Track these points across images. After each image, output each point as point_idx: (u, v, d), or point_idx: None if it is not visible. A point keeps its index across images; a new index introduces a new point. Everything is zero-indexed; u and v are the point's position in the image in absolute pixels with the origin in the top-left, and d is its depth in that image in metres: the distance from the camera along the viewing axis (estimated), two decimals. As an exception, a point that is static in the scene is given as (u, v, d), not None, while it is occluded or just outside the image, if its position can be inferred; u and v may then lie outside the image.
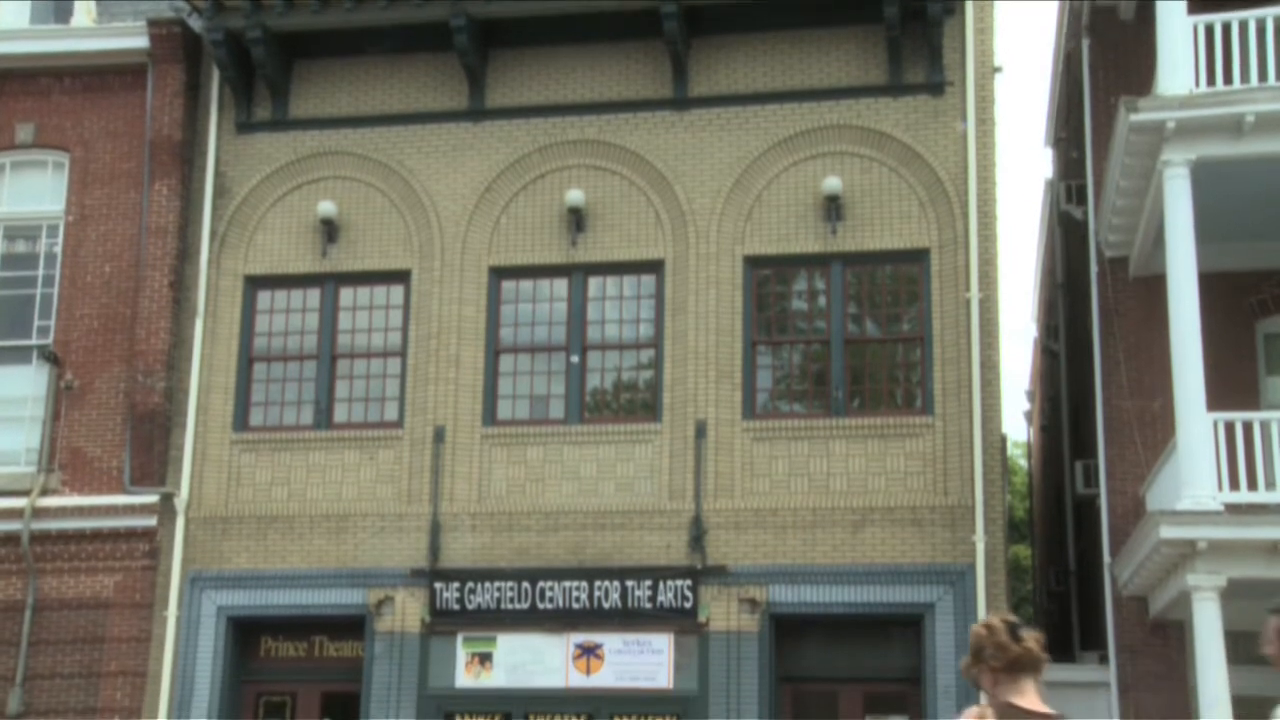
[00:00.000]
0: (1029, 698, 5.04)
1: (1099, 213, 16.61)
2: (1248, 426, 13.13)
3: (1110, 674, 16.08)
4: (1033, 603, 30.80)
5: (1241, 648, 14.52)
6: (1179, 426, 12.92)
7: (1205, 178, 13.74)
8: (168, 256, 17.99)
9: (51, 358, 17.83)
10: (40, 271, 18.40)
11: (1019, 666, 5.07)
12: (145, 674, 16.93)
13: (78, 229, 18.29)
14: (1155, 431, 15.86)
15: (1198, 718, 12.95)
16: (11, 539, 17.34)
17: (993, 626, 5.17)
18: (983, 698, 5.21)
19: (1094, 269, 17.04)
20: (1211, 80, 13.94)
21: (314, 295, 18.01)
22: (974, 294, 16.41)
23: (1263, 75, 13.87)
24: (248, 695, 17.29)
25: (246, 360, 17.92)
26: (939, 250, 16.73)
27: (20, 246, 18.67)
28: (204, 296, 17.94)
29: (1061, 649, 21.92)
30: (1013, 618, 5.29)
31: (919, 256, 16.83)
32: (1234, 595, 12.56)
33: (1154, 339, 15.55)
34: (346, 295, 17.95)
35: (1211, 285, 14.49)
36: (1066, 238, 20.73)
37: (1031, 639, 5.12)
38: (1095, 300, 16.95)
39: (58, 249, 18.36)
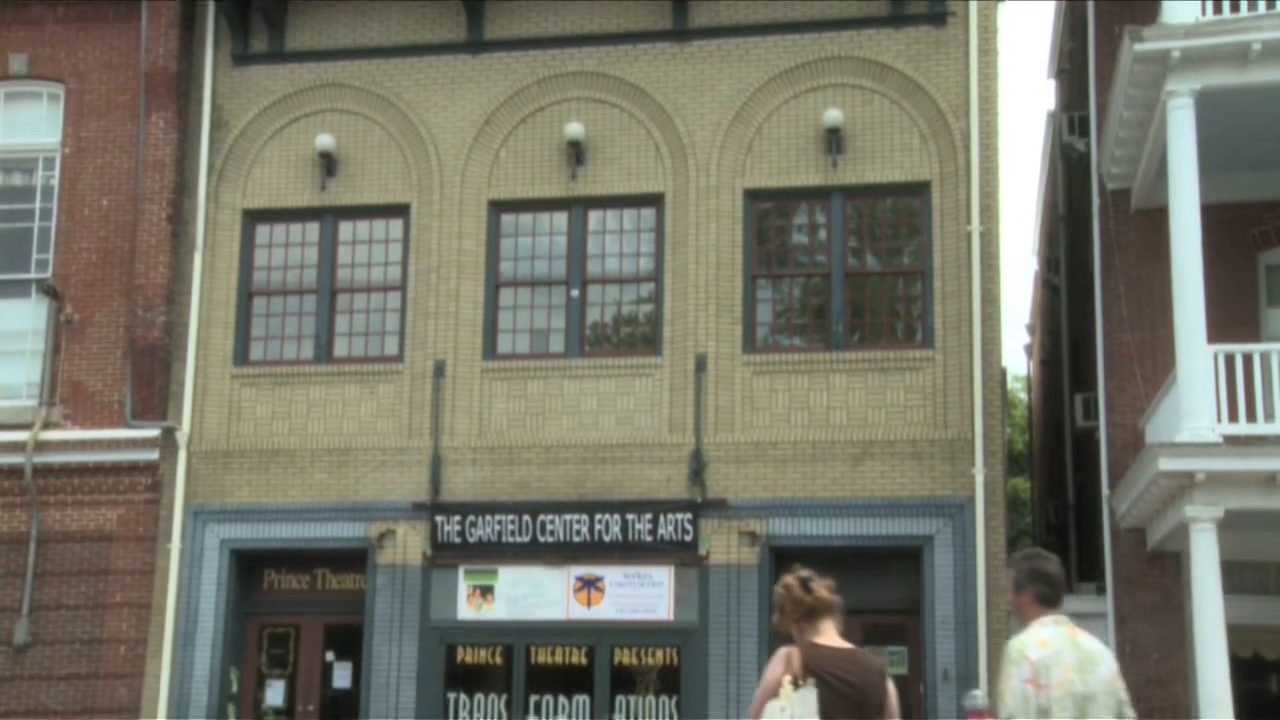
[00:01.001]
0: (827, 635, 6.12)
1: (1101, 145, 16.51)
2: (1248, 358, 13.12)
3: (1107, 605, 16.19)
4: (1031, 535, 30.96)
5: (1237, 577, 14.65)
6: (1179, 359, 12.91)
7: (1209, 108, 13.64)
8: (165, 190, 17.91)
9: (50, 291, 17.81)
10: (37, 205, 18.33)
11: (814, 613, 6.13)
12: (150, 605, 17.09)
13: (74, 162, 18.20)
14: (1155, 364, 15.86)
15: (1193, 646, 13.04)
16: (15, 472, 17.43)
17: (788, 585, 6.17)
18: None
19: (1095, 201, 16.96)
20: (1218, 9, 13.80)
21: (313, 229, 17.96)
22: (975, 227, 16.35)
23: (1270, 2, 13.73)
24: (251, 627, 17.44)
25: (246, 295, 17.90)
26: (940, 183, 16.65)
27: (17, 179, 18.58)
28: (202, 230, 17.89)
29: (1059, 581, 22.06)
30: (805, 573, 6.23)
31: (920, 189, 16.76)
32: (1231, 526, 12.62)
33: (1155, 272, 15.51)
34: (345, 229, 17.91)
35: (1214, 217, 14.43)
36: (1068, 170, 20.62)
37: (822, 588, 6.15)
38: (1096, 233, 16.89)
39: (54, 182, 18.28)
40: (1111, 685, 6.22)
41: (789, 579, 6.23)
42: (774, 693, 6.04)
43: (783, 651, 6.12)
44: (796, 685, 5.99)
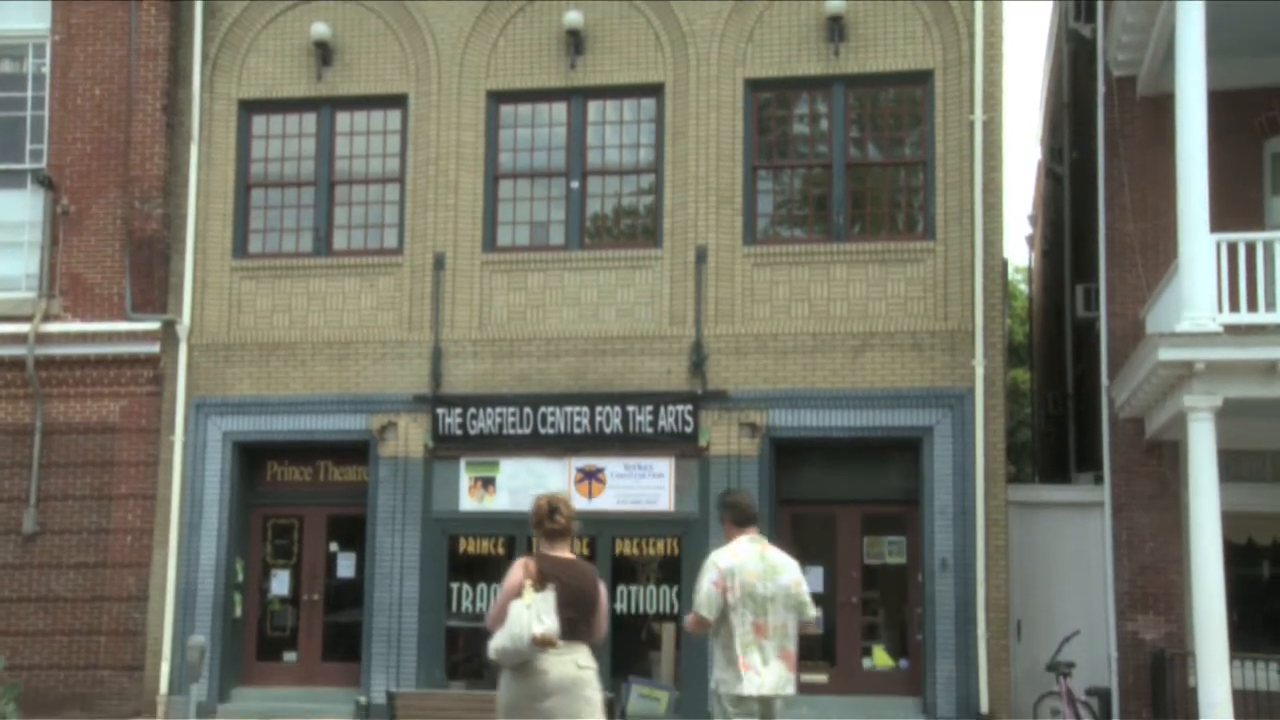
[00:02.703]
0: (559, 550, 7.62)
1: (1108, 30, 16.27)
2: (1250, 247, 13.05)
3: (1105, 494, 16.33)
4: (1030, 425, 31.13)
5: (1234, 465, 14.76)
6: (1181, 248, 12.84)
7: (1218, -8, 13.41)
8: (159, 80, 17.70)
9: (46, 182, 17.68)
10: (29, 93, 18.11)
11: (555, 535, 7.62)
12: (154, 497, 17.24)
13: (65, 49, 17.94)
14: (1157, 254, 15.81)
15: (1189, 534, 13.16)
16: (16, 364, 17.47)
17: (540, 508, 7.66)
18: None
19: (1101, 88, 16.78)
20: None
21: (310, 120, 17.79)
22: (978, 116, 16.19)
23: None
24: (255, 518, 17.61)
25: (244, 186, 17.79)
26: (943, 71, 16.45)
27: (7, 66, 18.33)
28: (198, 121, 17.72)
29: (1058, 471, 22.27)
30: (557, 501, 7.68)
31: (922, 78, 16.57)
32: (1229, 414, 12.65)
33: (1159, 160, 15.38)
34: (343, 120, 17.73)
35: (1220, 103, 14.26)
36: (1074, 57, 20.34)
37: (563, 517, 7.62)
38: (1101, 120, 16.73)
39: (45, 70, 18.04)
40: (792, 590, 8.07)
41: (542, 501, 7.69)
42: (517, 594, 7.42)
43: (520, 560, 7.60)
44: (538, 588, 7.37)
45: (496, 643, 7.43)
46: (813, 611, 8.19)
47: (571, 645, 7.39)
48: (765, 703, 8.00)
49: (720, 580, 8.00)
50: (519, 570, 7.50)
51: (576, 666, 7.42)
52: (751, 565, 8.03)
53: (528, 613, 7.30)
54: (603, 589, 7.73)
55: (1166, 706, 14.89)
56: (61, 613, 17.11)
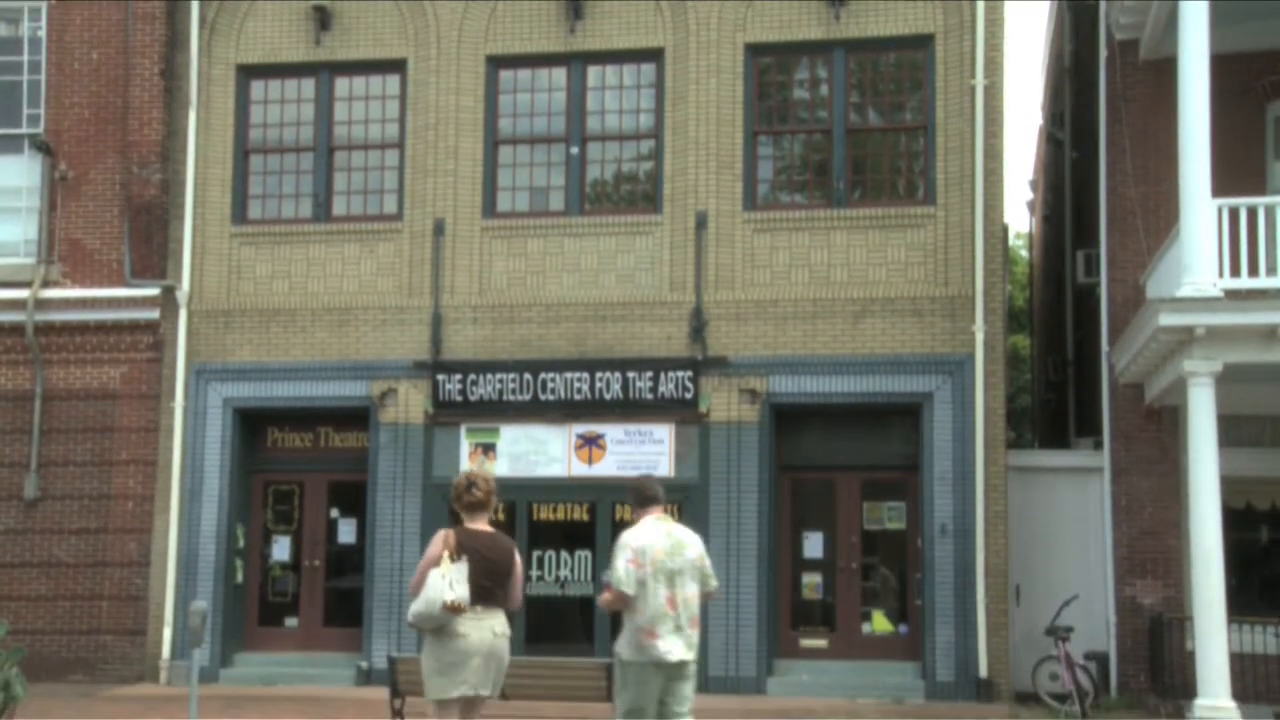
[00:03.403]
0: (478, 523, 8.32)
1: (1111, -6, 16.19)
2: (1251, 212, 13.01)
3: (1104, 459, 16.36)
4: (1030, 391, 31.14)
5: (1233, 430, 14.77)
6: (1182, 212, 12.81)
7: (1222, -47, 13.33)
8: (156, 44, 17.61)
9: (44, 147, 17.63)
10: (25, 57, 18.01)
11: (474, 507, 8.32)
12: (155, 463, 17.27)
13: (61, 12, 17.84)
14: (1158, 219, 15.78)
15: (1187, 499, 13.19)
16: (16, 330, 17.47)
17: (459, 484, 8.33)
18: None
19: (1103, 52, 16.71)
20: None
21: (308, 85, 17.72)
22: (979, 81, 16.13)
23: None
24: (256, 484, 17.65)
25: (242, 152, 17.73)
26: (944, 36, 16.37)
27: (2, 30, 18.21)
28: (196, 86, 17.64)
29: (1058, 436, 22.29)
30: (475, 476, 8.38)
31: (923, 42, 16.49)
32: (1228, 379, 12.66)
33: (1161, 124, 15.33)
34: (342, 85, 17.67)
35: (1223, 67, 14.20)
36: (1076, 21, 20.26)
37: (480, 491, 8.30)
38: (1103, 85, 16.66)
39: (41, 33, 17.94)
40: (697, 563, 8.77)
41: (462, 477, 8.42)
42: (436, 563, 8.07)
43: (441, 533, 8.28)
44: (454, 558, 8.04)
45: (414, 608, 8.10)
46: (714, 582, 8.97)
47: (489, 611, 8.15)
48: (676, 667, 8.64)
49: (635, 558, 8.59)
50: (439, 542, 8.19)
51: (493, 634, 8.16)
52: (659, 542, 8.66)
53: (442, 581, 7.97)
54: (518, 559, 8.43)
55: (1164, 670, 14.97)
56: (63, 578, 17.18)
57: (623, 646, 8.66)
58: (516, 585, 8.37)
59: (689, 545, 8.78)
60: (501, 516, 16.72)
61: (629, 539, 8.69)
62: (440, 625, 8.05)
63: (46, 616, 17.08)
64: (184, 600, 16.56)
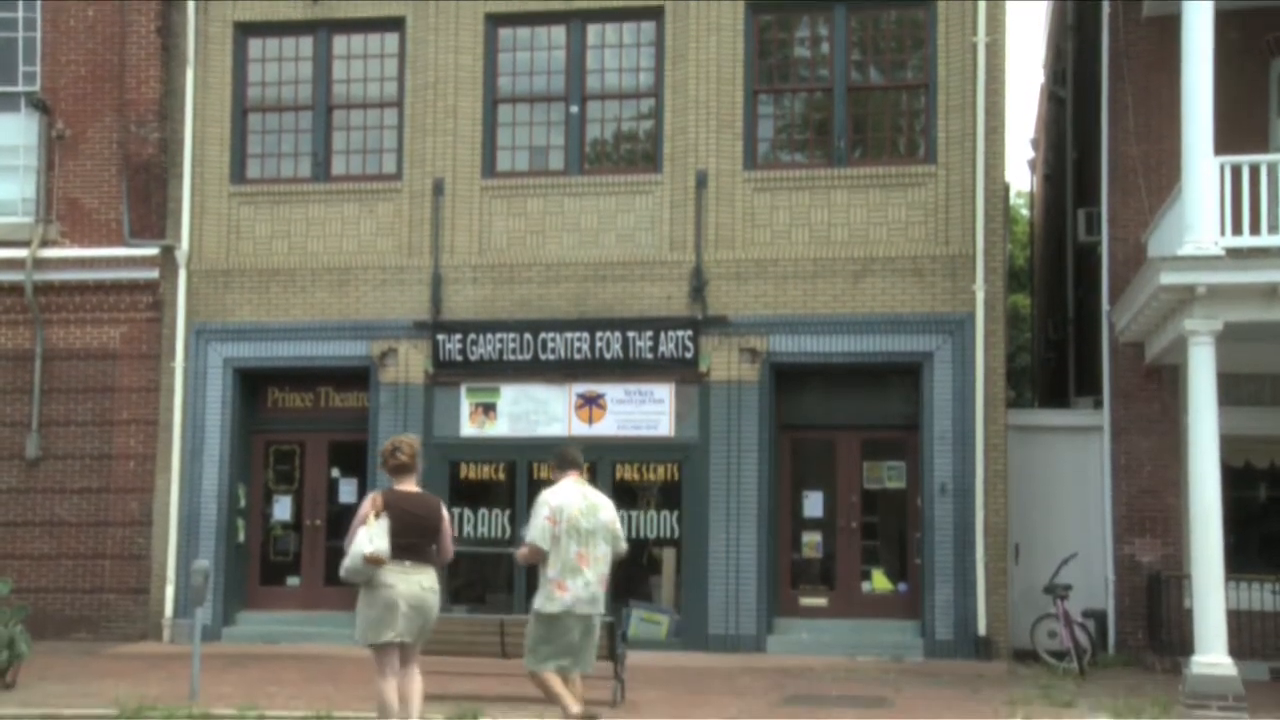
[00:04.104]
0: (405, 484, 9.16)
1: (1113, -50, 16.08)
2: (1254, 169, 12.94)
3: (1104, 418, 16.39)
4: (1030, 350, 31.14)
5: (1233, 389, 14.77)
6: (1184, 170, 12.74)
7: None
8: (153, 0, 17.50)
9: (40, 105, 17.54)
10: (20, 14, 17.88)
11: (401, 470, 9.16)
12: (156, 422, 17.30)
13: (55, -33, 17.75)
14: (1160, 177, 15.73)
15: (1187, 458, 13.20)
16: (15, 289, 17.46)
17: (386, 449, 9.24)
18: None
19: (1105, 9, 16.61)
20: None
21: (306, 43, 17.62)
22: (980, 39, 16.03)
23: None
24: (257, 444, 17.68)
25: (241, 111, 17.65)
26: (947, -8, 16.26)
27: (-5, -16, 18.14)
28: (193, 44, 17.54)
29: (1058, 395, 22.31)
30: (400, 441, 9.26)
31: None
32: (1228, 338, 12.63)
33: (1164, 82, 15.25)
34: (340, 43, 17.57)
35: (1226, 23, 14.12)
36: (1079, -23, 20.13)
37: (405, 455, 9.14)
38: (1105, 42, 16.57)
39: (36, -13, 17.85)
40: (610, 526, 9.50)
41: (388, 444, 9.28)
42: (365, 521, 8.88)
43: (371, 494, 9.16)
44: (378, 516, 8.86)
45: (343, 564, 8.96)
46: (623, 544, 9.70)
47: (418, 566, 8.97)
48: (585, 619, 9.35)
49: (551, 516, 9.34)
50: (368, 503, 9.02)
51: (421, 587, 8.96)
52: (575, 503, 9.40)
53: (365, 536, 8.81)
54: (446, 516, 9.26)
55: (1162, 627, 15.05)
56: (66, 537, 17.24)
57: (538, 599, 9.35)
58: (446, 540, 9.18)
59: (603, 508, 9.54)
60: (501, 477, 16.80)
61: (547, 497, 9.44)
62: (368, 577, 8.87)
63: (49, 575, 17.16)
64: (186, 559, 16.62)
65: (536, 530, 9.31)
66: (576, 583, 9.27)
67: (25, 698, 12.35)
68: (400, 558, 8.85)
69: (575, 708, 9.25)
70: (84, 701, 12.10)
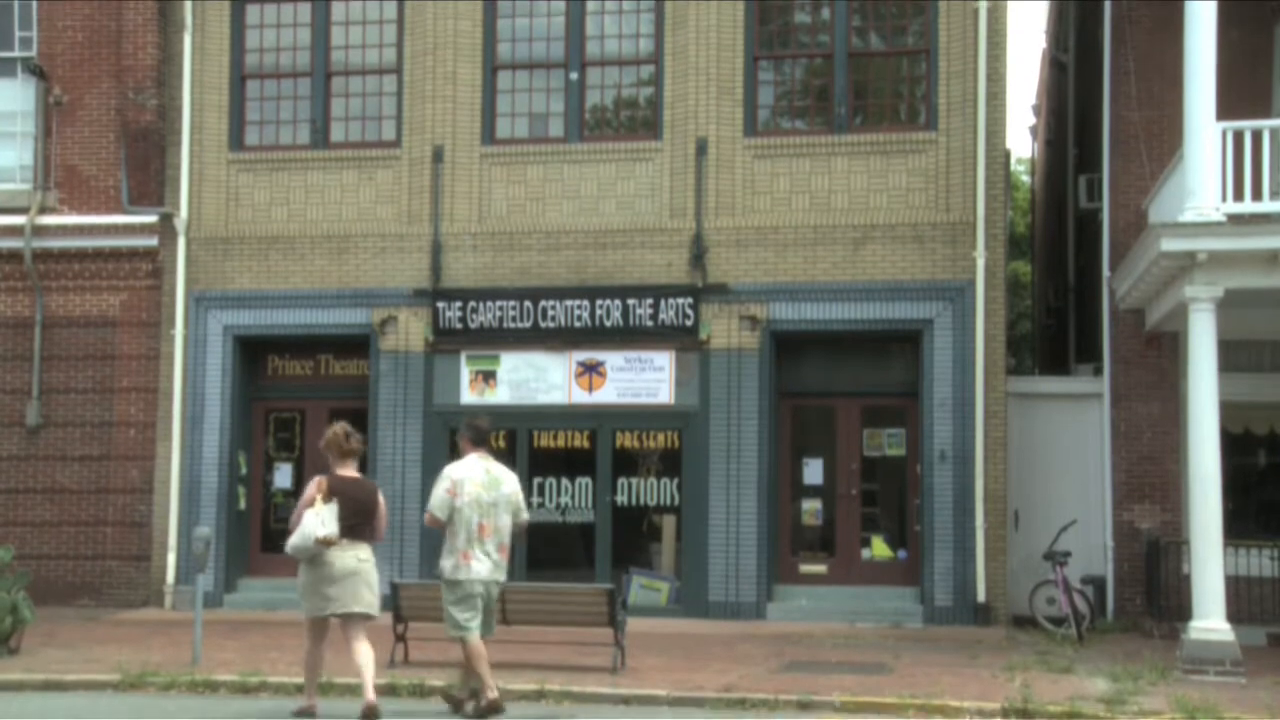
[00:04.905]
0: (347, 469, 9.89)
1: (1116, -86, 15.97)
2: (1256, 135, 12.88)
3: (1104, 385, 16.40)
4: (1031, 317, 31.13)
5: (1232, 355, 14.78)
6: (1186, 136, 12.69)
7: None
8: (149, -35, 17.45)
9: (37, 71, 17.47)
10: (14, -22, 17.85)
11: (346, 455, 9.89)
12: (157, 390, 17.31)
13: (50, -71, 17.64)
14: (1162, 144, 15.68)
15: (1186, 424, 13.22)
16: (14, 256, 17.45)
17: (336, 434, 9.88)
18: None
19: (1108, -27, 16.51)
20: None
21: (304, 9, 17.54)
22: (981, 3, 15.95)
23: None
24: (257, 411, 17.69)
25: (239, 77, 17.58)
26: (948, -43, 16.16)
27: (-11, -52, 18.03)
28: (190, 9, 17.46)
29: (1058, 362, 22.32)
30: (350, 429, 9.96)
31: (927, -36, 16.29)
32: (1228, 304, 12.62)
33: (1166, 47, 15.18)
34: (338, 9, 17.51)
35: (1231, -11, 14.05)
36: (1081, -57, 20.00)
37: (356, 442, 9.94)
38: (1108, 7, 16.48)
39: (30, -50, 17.75)
40: (511, 498, 10.11)
41: (339, 430, 9.91)
42: (311, 504, 9.61)
43: (316, 478, 9.84)
44: (326, 500, 9.58)
45: (291, 541, 9.65)
46: (525, 515, 10.30)
47: (354, 543, 9.72)
48: (486, 585, 9.99)
49: (452, 488, 9.94)
50: (313, 486, 9.73)
51: (357, 560, 9.74)
52: (477, 477, 9.99)
53: (315, 519, 9.52)
54: (382, 500, 10.02)
55: (1160, 593, 15.10)
56: (68, 504, 17.28)
57: (447, 569, 9.99)
58: (380, 521, 9.97)
59: (505, 481, 10.12)
60: (502, 444, 16.81)
61: (449, 471, 10.08)
62: (313, 555, 9.63)
63: (52, 542, 17.21)
64: (187, 526, 16.67)
65: (436, 501, 9.96)
66: (479, 552, 9.91)
67: (29, 663, 12.42)
68: (342, 536, 9.63)
69: (493, 693, 9.86)
70: (87, 667, 12.16)
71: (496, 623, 10.62)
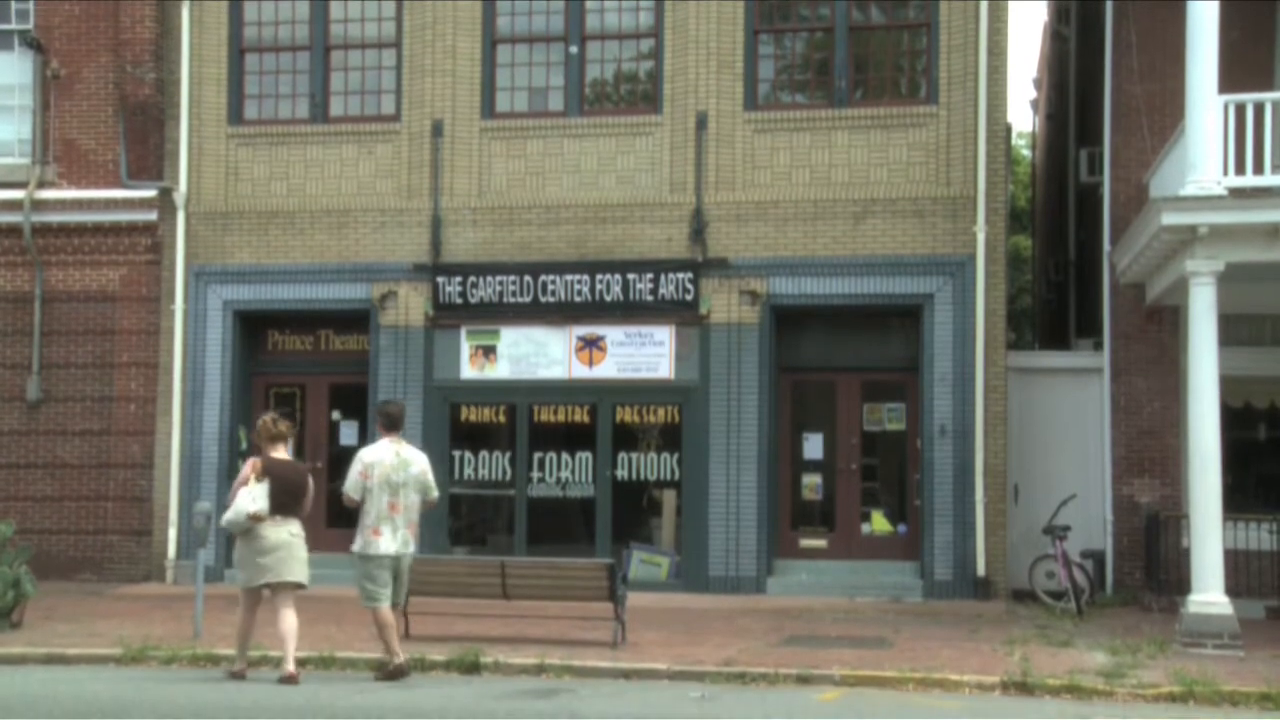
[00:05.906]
0: (278, 452, 10.81)
1: (1119, -113, 15.87)
2: (1258, 108, 12.83)
3: (1104, 359, 16.39)
4: (1031, 292, 31.10)
5: (1233, 330, 14.76)
6: (1188, 110, 12.64)
7: None
8: (146, -64, 17.36)
9: (34, 44, 17.40)
10: (9, -51, 17.76)
11: (275, 439, 10.83)
12: (157, 365, 17.31)
13: (46, -99, 17.54)
14: (1163, 117, 15.63)
15: (1186, 398, 13.21)
16: (14, 231, 17.43)
17: (265, 422, 10.89)
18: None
19: (1110, -53, 16.43)
20: None
21: (303, -18, 17.46)
22: (984, -24, 15.87)
23: None
24: (257, 386, 17.69)
25: (238, 51, 17.52)
26: (950, -71, 16.07)
27: (-16, -81, 17.93)
28: (188, -18, 17.41)
29: (1058, 337, 22.32)
30: (277, 415, 11.08)
31: (929, -63, 16.21)
32: (1229, 278, 12.59)
33: (1169, 20, 15.11)
34: (337, -18, 17.42)
35: (1234, -41, 13.97)
36: (1083, -84, 19.89)
37: (282, 425, 10.94)
38: (1110, -20, 16.41)
39: (26, -78, 17.67)
40: (420, 478, 10.87)
41: (267, 418, 10.98)
42: (245, 484, 10.54)
43: (250, 460, 10.80)
44: (259, 480, 10.51)
45: (225, 516, 10.55)
46: (434, 493, 11.14)
47: (286, 520, 10.60)
48: (395, 560, 10.71)
49: (364, 471, 10.73)
50: (248, 467, 10.67)
51: (289, 534, 10.62)
52: (388, 459, 10.76)
53: (247, 496, 10.47)
54: (310, 481, 10.89)
55: (1159, 567, 15.12)
56: (69, 479, 17.31)
57: (358, 544, 10.69)
58: (307, 500, 10.81)
59: (414, 463, 10.86)
60: (502, 419, 16.83)
61: (362, 454, 10.90)
62: (246, 530, 10.50)
63: (53, 517, 17.24)
64: (188, 501, 16.69)
65: (350, 483, 10.75)
66: (388, 528, 10.63)
67: (31, 637, 12.46)
68: (274, 513, 10.50)
69: (401, 658, 10.69)
70: (89, 641, 12.21)
71: (408, 594, 11.40)
